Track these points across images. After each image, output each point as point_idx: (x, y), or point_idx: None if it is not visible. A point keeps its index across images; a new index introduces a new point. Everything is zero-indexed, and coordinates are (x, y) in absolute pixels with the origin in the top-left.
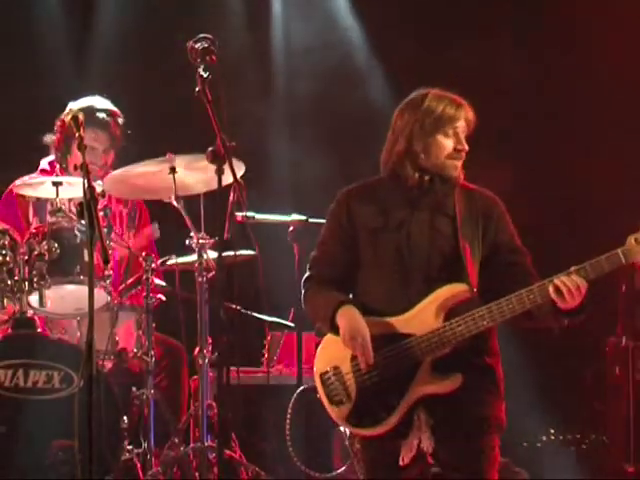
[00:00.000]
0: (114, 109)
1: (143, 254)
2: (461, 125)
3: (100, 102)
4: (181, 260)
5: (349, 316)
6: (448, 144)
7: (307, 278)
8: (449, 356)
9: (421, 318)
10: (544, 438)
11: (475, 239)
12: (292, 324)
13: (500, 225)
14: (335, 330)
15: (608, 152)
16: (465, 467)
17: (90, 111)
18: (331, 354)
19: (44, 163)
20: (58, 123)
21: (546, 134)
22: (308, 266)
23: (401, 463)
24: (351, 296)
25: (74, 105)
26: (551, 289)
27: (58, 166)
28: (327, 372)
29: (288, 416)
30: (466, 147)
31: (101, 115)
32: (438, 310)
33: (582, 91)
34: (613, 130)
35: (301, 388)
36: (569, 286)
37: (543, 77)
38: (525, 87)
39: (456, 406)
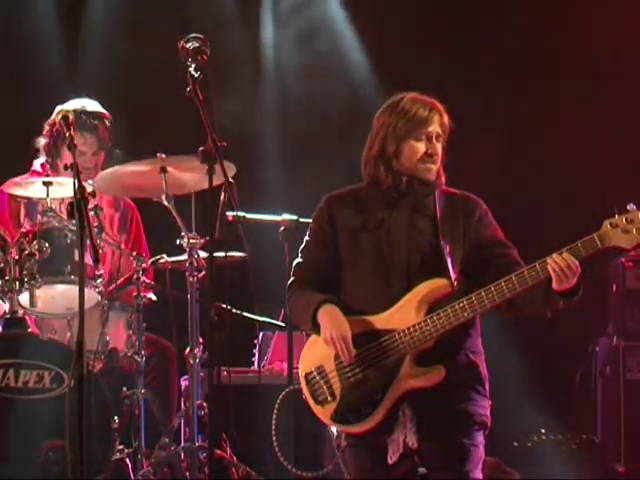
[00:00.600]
0: (102, 111)
1: (134, 254)
2: (434, 129)
3: (88, 104)
4: (172, 259)
5: (329, 314)
6: (419, 148)
7: (290, 284)
8: (432, 352)
9: (402, 314)
10: (535, 438)
11: (456, 237)
12: (283, 324)
13: (482, 223)
14: (316, 329)
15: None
16: (449, 465)
17: (78, 115)
18: (315, 354)
19: (37, 164)
20: (47, 127)
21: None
22: (292, 272)
23: (389, 461)
24: (336, 298)
25: (62, 107)
26: (549, 267)
27: (49, 168)
28: (311, 372)
29: (274, 416)
30: (438, 151)
31: (89, 119)
32: (419, 305)
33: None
34: (598, 120)
35: (286, 390)
36: (559, 263)
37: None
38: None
39: (440, 402)
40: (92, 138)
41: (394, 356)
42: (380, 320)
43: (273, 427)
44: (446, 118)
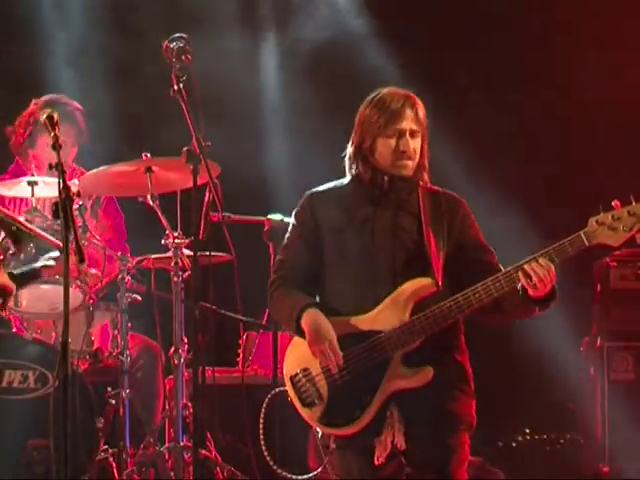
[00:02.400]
0: (77, 104)
1: (119, 254)
2: (406, 126)
3: (63, 97)
4: (156, 256)
5: (313, 320)
6: (391, 145)
7: (273, 281)
8: (419, 352)
9: (387, 314)
10: (519, 438)
11: (440, 236)
12: (267, 324)
13: (465, 224)
14: (300, 333)
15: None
16: (435, 465)
17: (55, 104)
18: (299, 355)
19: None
20: (21, 118)
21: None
22: (274, 269)
23: (377, 462)
24: (318, 298)
25: (37, 101)
26: (521, 275)
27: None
28: (297, 374)
29: (261, 419)
30: (411, 147)
31: (66, 108)
32: (404, 305)
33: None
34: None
35: (273, 392)
36: (538, 272)
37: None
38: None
39: (428, 403)
40: (72, 128)
41: (381, 357)
42: (365, 321)
43: (261, 429)
44: (421, 112)
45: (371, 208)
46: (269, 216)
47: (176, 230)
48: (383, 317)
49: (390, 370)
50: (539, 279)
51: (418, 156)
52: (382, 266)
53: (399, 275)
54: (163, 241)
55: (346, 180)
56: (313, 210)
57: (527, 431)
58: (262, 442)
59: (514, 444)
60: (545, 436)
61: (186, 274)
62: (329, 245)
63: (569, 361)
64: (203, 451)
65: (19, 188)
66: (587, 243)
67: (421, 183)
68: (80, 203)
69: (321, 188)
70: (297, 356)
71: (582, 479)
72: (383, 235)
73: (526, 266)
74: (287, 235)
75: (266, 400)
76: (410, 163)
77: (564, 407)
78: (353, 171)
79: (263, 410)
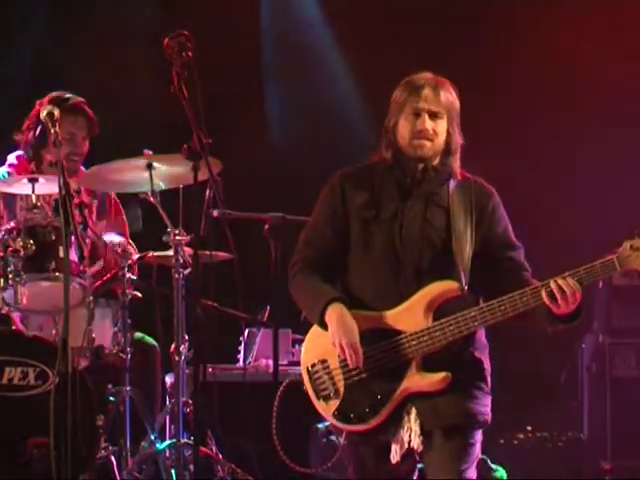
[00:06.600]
0: (80, 98)
1: (119, 250)
2: (424, 106)
3: (65, 93)
4: (158, 253)
5: (338, 315)
6: (409, 122)
7: (295, 262)
8: (438, 352)
9: (410, 315)
10: (521, 435)
11: (467, 233)
12: (268, 321)
13: (494, 218)
14: (324, 326)
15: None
16: (447, 462)
17: (62, 99)
18: (319, 346)
19: (12, 158)
20: (28, 121)
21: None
22: (297, 249)
23: (393, 461)
24: (340, 285)
25: (41, 100)
26: (544, 294)
27: (33, 163)
28: (315, 365)
29: (274, 411)
30: (428, 127)
31: (73, 100)
32: (427, 307)
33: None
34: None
35: (287, 380)
36: (565, 290)
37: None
38: None
39: (444, 403)
40: (82, 118)
41: (400, 359)
42: (387, 318)
43: (273, 423)
44: (446, 95)
45: (401, 200)
46: (270, 213)
47: (177, 227)
48: (406, 317)
49: (408, 373)
50: (563, 297)
51: (440, 139)
52: (408, 262)
53: (425, 273)
54: (164, 238)
55: (376, 163)
56: (343, 192)
57: (529, 428)
58: (274, 435)
59: (516, 441)
60: (547, 433)
61: (187, 271)
62: (356, 233)
63: (571, 358)
64: (204, 448)
65: (18, 184)
66: (619, 268)
67: (453, 174)
68: (80, 200)
69: (352, 169)
70: (316, 346)
71: (584, 477)
72: (411, 230)
73: (552, 284)
74: (313, 214)
75: (279, 392)
76: (427, 143)
77: (567, 404)
78: (384, 153)
79: (277, 399)
